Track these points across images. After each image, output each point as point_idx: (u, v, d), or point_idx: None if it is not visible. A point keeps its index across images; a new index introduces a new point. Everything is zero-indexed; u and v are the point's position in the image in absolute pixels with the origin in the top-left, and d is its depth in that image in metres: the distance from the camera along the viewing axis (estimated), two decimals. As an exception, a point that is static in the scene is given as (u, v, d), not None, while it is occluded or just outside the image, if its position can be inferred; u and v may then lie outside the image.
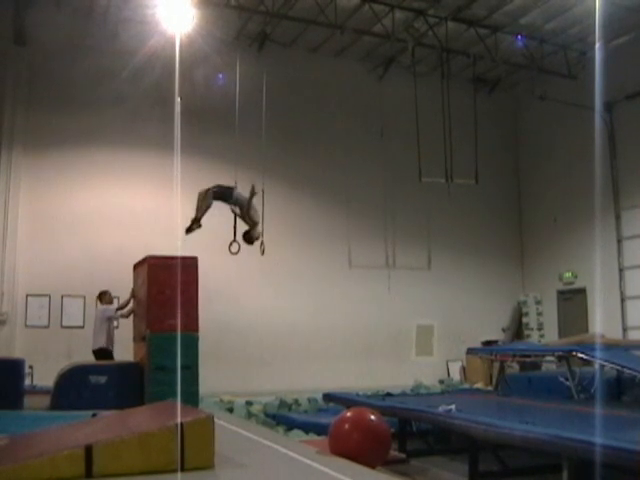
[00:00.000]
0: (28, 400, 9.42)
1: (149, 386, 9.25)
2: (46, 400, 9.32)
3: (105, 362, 10.81)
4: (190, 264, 10.07)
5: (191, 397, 9.38)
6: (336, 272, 16.94)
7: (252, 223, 10.84)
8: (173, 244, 13.08)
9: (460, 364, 17.53)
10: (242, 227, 13.61)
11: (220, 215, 14.67)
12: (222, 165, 15.06)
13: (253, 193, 10.74)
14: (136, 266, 10.94)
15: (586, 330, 15.89)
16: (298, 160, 16.78)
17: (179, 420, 4.59)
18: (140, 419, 5.43)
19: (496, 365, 12.64)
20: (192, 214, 14.99)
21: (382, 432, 5.91)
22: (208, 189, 10.62)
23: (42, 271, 14.14)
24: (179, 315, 9.43)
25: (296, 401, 12.35)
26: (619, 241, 16.40)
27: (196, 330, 10.19)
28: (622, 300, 16.19)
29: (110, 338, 11.53)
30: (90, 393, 8.81)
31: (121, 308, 11.70)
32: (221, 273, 15.43)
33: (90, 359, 11.11)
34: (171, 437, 4.48)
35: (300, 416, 10.69)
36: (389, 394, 10.71)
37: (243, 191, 11.09)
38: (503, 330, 18.53)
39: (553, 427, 6.04)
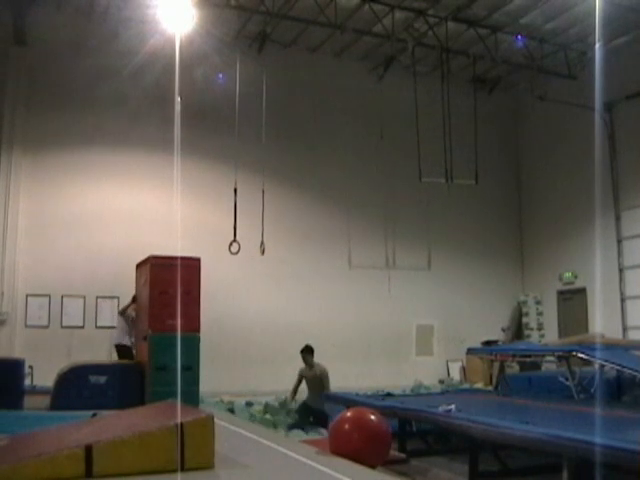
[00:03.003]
0: (28, 400, 9.42)
1: (150, 386, 9.26)
2: (46, 400, 9.31)
3: (105, 362, 10.87)
4: (193, 265, 10.07)
5: (191, 397, 9.38)
6: (336, 272, 16.94)
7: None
8: (173, 244, 13.10)
9: (460, 364, 17.53)
10: (242, 227, 13.64)
11: (220, 215, 14.73)
12: (222, 165, 15.10)
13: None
14: (139, 266, 10.95)
15: (586, 330, 15.89)
16: (298, 160, 16.79)
17: (179, 420, 4.59)
18: (140, 419, 5.43)
19: (496, 365, 12.64)
20: (191, 214, 15.04)
21: (382, 432, 5.90)
22: None
23: (42, 271, 14.14)
24: (179, 315, 9.43)
25: (296, 401, 12.34)
26: (619, 241, 16.40)
27: (197, 330, 10.19)
28: (622, 300, 16.19)
29: (128, 334, 11.54)
30: (90, 393, 8.81)
31: (124, 310, 11.74)
32: (221, 273, 15.43)
33: (89, 358, 11.18)
34: (171, 437, 4.47)
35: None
36: (389, 394, 10.71)
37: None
38: (503, 330, 18.52)
39: (553, 427, 6.03)
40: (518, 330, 18.71)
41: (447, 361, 17.70)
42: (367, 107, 17.58)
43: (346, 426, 5.83)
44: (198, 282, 10.34)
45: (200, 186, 15.54)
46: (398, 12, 15.10)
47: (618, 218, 16.46)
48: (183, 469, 4.42)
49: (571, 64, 16.91)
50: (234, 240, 13.41)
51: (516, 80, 18.64)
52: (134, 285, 11.82)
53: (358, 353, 16.45)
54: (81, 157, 14.82)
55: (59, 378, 9.02)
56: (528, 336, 17.96)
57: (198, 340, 10.62)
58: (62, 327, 14.25)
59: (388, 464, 6.39)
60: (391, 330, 17.10)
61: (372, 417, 5.92)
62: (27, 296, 14.12)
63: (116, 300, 14.38)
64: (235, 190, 13.58)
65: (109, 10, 14.79)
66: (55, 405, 8.69)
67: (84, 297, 14.45)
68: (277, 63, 15.96)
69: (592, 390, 9.44)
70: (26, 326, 13.97)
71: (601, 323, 14.97)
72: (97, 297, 14.55)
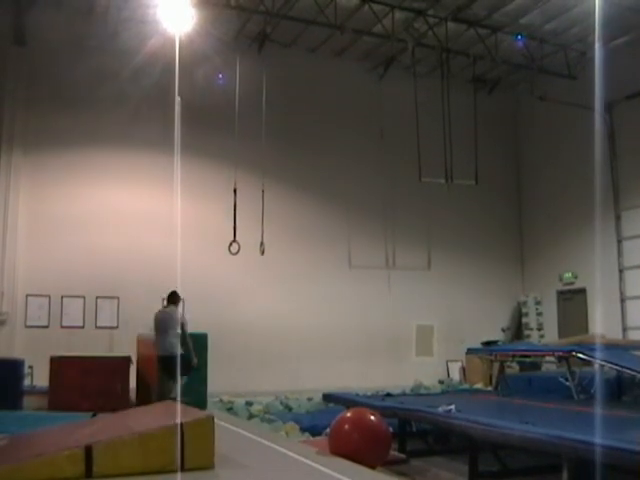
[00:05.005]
0: (28, 400, 9.43)
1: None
2: (44, 400, 9.34)
3: None
4: None
5: (199, 397, 9.54)
6: (336, 272, 16.93)
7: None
8: (173, 244, 13.13)
9: (460, 364, 17.53)
10: (242, 227, 13.65)
11: (220, 215, 14.73)
12: (222, 165, 15.09)
13: None
14: None
15: (586, 330, 15.89)
16: (298, 160, 16.77)
17: (179, 420, 4.59)
18: (140, 419, 5.43)
19: (496, 365, 12.65)
20: (191, 214, 15.05)
21: (382, 432, 5.91)
22: None
23: (42, 271, 14.13)
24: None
25: (296, 401, 12.37)
26: (619, 241, 16.39)
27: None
28: (622, 300, 16.18)
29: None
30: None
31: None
32: (221, 273, 15.43)
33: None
34: (171, 437, 4.48)
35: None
36: (389, 394, 10.72)
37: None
38: (503, 330, 18.53)
39: (553, 427, 6.04)
40: (518, 330, 18.71)
41: (447, 361, 17.69)
42: (367, 107, 17.57)
43: (346, 426, 5.84)
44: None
45: (200, 186, 15.53)
46: (398, 12, 15.08)
47: (618, 218, 16.45)
48: (183, 469, 4.43)
49: (571, 64, 16.90)
50: (234, 240, 13.41)
51: (516, 80, 18.63)
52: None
53: (358, 353, 16.43)
54: (81, 157, 14.80)
55: None
56: (528, 336, 17.95)
57: (206, 339, 10.69)
58: (62, 327, 14.23)
59: (388, 464, 6.40)
60: (391, 330, 17.09)
61: (372, 417, 5.93)
62: (27, 296, 14.12)
63: (116, 300, 14.41)
64: (235, 190, 13.58)
65: (109, 10, 14.77)
66: None
67: (84, 297, 14.44)
68: (277, 63, 15.94)
69: (592, 390, 9.45)
70: (26, 326, 13.96)
71: (601, 323, 14.97)
72: (97, 297, 14.54)
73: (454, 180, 15.48)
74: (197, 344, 10.19)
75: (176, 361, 9.52)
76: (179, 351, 9.69)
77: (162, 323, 10.02)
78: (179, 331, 9.84)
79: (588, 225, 16.40)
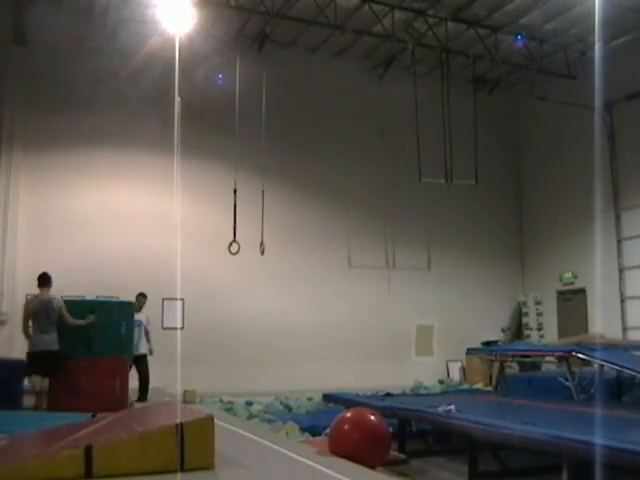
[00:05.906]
0: (28, 400, 9.43)
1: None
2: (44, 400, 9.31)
3: None
4: None
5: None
6: (336, 272, 16.93)
7: None
8: (173, 244, 13.12)
9: (460, 364, 17.53)
10: (242, 227, 13.64)
11: (220, 215, 14.73)
12: (222, 165, 15.10)
13: None
14: None
15: (586, 330, 15.90)
16: (298, 160, 16.77)
17: (179, 420, 4.59)
18: (140, 419, 5.43)
19: (496, 365, 12.65)
20: (191, 214, 15.05)
21: (382, 432, 5.91)
22: None
23: (42, 271, 14.10)
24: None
25: (296, 401, 12.36)
26: (619, 241, 16.40)
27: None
28: (622, 300, 16.19)
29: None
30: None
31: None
32: (221, 273, 15.43)
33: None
34: (171, 437, 4.48)
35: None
36: (389, 394, 10.72)
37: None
38: (503, 330, 18.53)
39: (553, 427, 6.04)
40: (518, 330, 18.71)
41: (447, 361, 17.70)
42: (367, 107, 17.57)
43: (346, 426, 5.84)
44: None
45: (200, 186, 15.54)
46: (398, 12, 15.08)
47: (618, 218, 16.45)
48: (183, 469, 4.43)
49: (571, 64, 16.90)
50: (234, 240, 13.42)
51: (516, 80, 18.63)
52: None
53: (358, 353, 16.44)
54: (81, 157, 14.79)
55: None
56: (528, 336, 17.96)
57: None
58: (62, 327, 14.21)
59: (388, 464, 6.40)
60: (391, 330, 17.09)
61: (372, 417, 5.93)
62: (27, 296, 14.07)
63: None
64: (235, 190, 13.58)
65: (109, 10, 14.77)
66: None
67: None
68: (277, 63, 15.93)
69: (592, 390, 9.45)
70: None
71: (601, 323, 14.98)
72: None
73: (454, 180, 15.48)
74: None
75: (56, 358, 9.24)
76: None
77: (51, 314, 9.70)
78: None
79: (588, 225, 16.41)
